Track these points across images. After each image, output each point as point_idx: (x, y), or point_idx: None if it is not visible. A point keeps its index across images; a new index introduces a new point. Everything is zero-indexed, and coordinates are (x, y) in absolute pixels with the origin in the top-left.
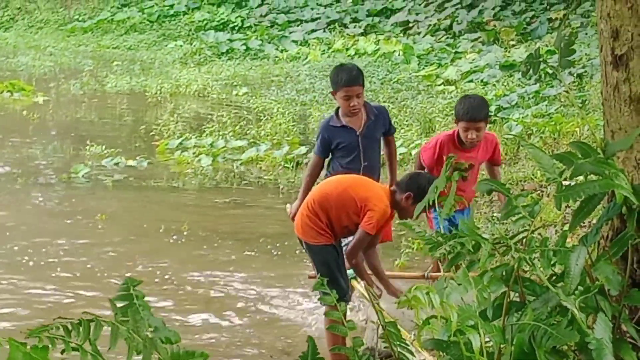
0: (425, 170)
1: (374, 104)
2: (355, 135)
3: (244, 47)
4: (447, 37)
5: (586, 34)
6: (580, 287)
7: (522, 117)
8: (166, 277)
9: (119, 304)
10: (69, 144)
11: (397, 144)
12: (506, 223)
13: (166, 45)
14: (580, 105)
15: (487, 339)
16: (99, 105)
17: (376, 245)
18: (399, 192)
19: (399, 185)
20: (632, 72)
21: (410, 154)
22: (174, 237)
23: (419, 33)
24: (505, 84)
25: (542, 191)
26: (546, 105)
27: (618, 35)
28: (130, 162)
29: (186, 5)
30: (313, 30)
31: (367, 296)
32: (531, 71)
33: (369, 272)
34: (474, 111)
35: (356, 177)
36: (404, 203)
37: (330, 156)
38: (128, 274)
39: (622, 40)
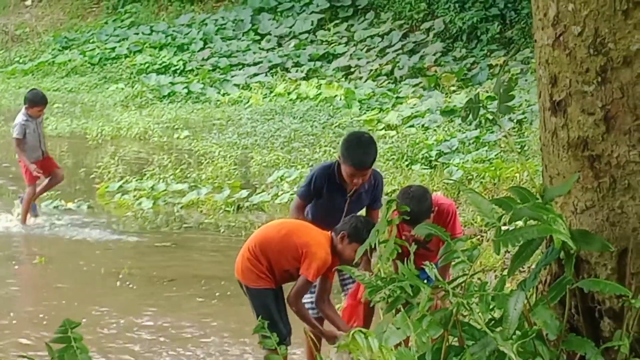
0: None
1: (375, 170)
2: (345, 197)
3: (186, 90)
4: (389, 82)
5: (526, 80)
6: (518, 332)
7: (463, 162)
8: (106, 320)
9: (57, 347)
10: (8, 188)
11: None
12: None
13: (107, 88)
14: (519, 150)
15: None
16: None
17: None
18: (334, 236)
19: (335, 231)
20: (570, 118)
21: None
22: (114, 280)
23: (360, 78)
24: (446, 129)
25: (482, 236)
26: (486, 151)
27: (556, 82)
28: (70, 205)
29: (128, 49)
30: (255, 74)
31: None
32: (471, 116)
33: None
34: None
35: (298, 222)
36: (340, 245)
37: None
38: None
39: (560, 87)
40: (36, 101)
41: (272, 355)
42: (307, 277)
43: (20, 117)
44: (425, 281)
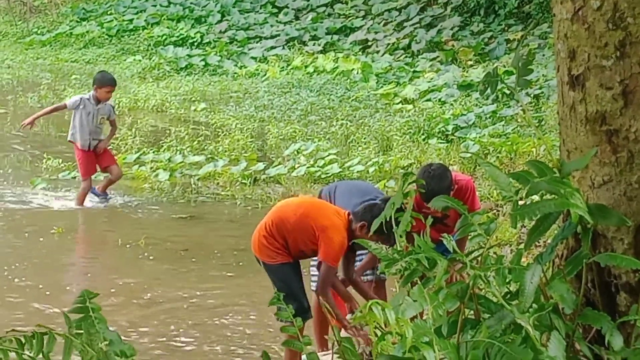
0: None
1: None
2: None
3: (203, 63)
4: (406, 56)
5: (543, 55)
6: (534, 305)
7: (479, 137)
8: (123, 291)
9: (74, 317)
10: (26, 157)
11: (355, 161)
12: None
13: (125, 60)
14: (537, 125)
15: (442, 356)
16: (56, 118)
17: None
18: (354, 221)
19: (355, 215)
20: (588, 93)
21: (368, 171)
22: (132, 251)
23: (377, 52)
24: (462, 103)
25: (498, 210)
26: (503, 125)
27: (575, 56)
28: None
29: (145, 20)
30: (272, 47)
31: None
32: (489, 90)
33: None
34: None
35: (316, 202)
36: (359, 232)
37: None
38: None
39: (579, 61)
40: (103, 81)
41: (287, 327)
42: (329, 264)
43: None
44: (442, 255)
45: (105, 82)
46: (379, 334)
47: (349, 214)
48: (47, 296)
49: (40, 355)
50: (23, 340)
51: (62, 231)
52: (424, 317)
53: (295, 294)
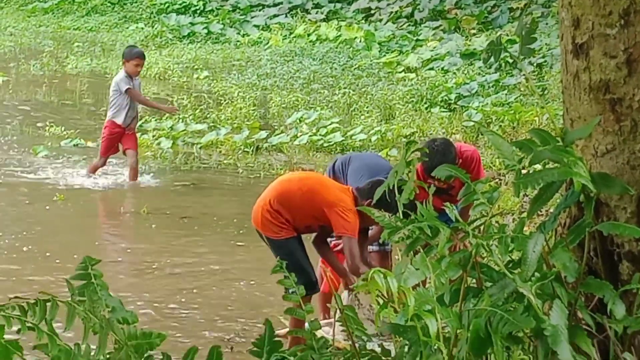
0: None
1: None
2: None
3: (206, 31)
4: (409, 25)
5: (546, 24)
6: (537, 274)
7: (482, 106)
8: (126, 258)
9: (77, 284)
10: (29, 125)
11: (357, 130)
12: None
13: (127, 28)
14: (539, 94)
15: (444, 324)
16: (59, 86)
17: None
18: (360, 199)
19: (360, 192)
20: (592, 61)
21: (370, 140)
22: (133, 219)
23: (380, 20)
24: (465, 72)
25: (501, 179)
26: (506, 94)
27: (579, 24)
28: (90, 144)
29: None
30: (275, 15)
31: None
32: (492, 58)
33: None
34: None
35: (319, 178)
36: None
37: None
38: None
39: (583, 29)
40: (131, 54)
41: (289, 295)
42: (350, 236)
43: (118, 76)
44: (446, 224)
45: (133, 55)
46: (382, 302)
47: (353, 190)
48: (53, 263)
49: (43, 322)
50: (26, 307)
51: (64, 198)
52: (427, 286)
53: (303, 267)
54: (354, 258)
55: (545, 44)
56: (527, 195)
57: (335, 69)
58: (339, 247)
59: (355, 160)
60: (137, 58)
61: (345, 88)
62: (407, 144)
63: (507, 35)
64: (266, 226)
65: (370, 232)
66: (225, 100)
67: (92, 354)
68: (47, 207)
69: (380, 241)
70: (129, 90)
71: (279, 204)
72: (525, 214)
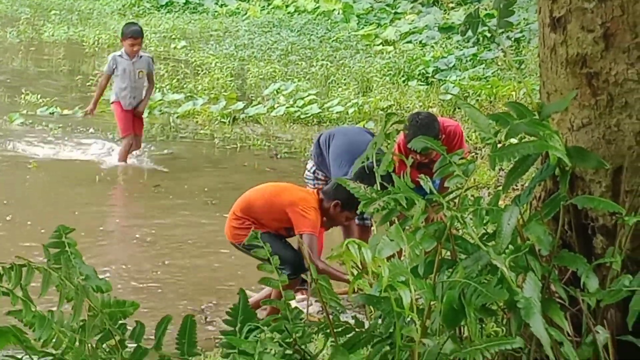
0: None
1: None
2: None
3: (184, 1)
4: None
5: None
6: (511, 247)
7: (459, 80)
8: (99, 225)
9: (52, 251)
10: (4, 92)
11: (335, 102)
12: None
13: None
14: (517, 68)
15: (418, 296)
16: (35, 53)
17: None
18: (326, 200)
19: (325, 194)
20: (569, 35)
21: (347, 112)
22: (109, 187)
23: None
24: (443, 46)
25: (477, 153)
26: (483, 69)
27: None
28: (66, 112)
29: None
30: None
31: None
32: (470, 31)
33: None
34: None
35: (281, 184)
36: (332, 211)
37: None
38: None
39: (561, 3)
40: (125, 33)
41: (263, 265)
42: (310, 233)
43: (114, 53)
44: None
45: (127, 34)
46: (356, 273)
47: (318, 192)
48: (21, 230)
49: (18, 288)
50: (1, 271)
51: (37, 166)
52: (402, 258)
53: (282, 252)
54: (312, 254)
55: (523, 18)
56: (502, 170)
57: (313, 40)
58: None
59: (338, 136)
60: (131, 37)
61: (322, 60)
62: (386, 115)
63: (486, 9)
64: (235, 234)
65: None
66: (202, 71)
67: (66, 321)
68: (22, 174)
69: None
70: (102, 78)
71: (242, 212)
72: (500, 188)
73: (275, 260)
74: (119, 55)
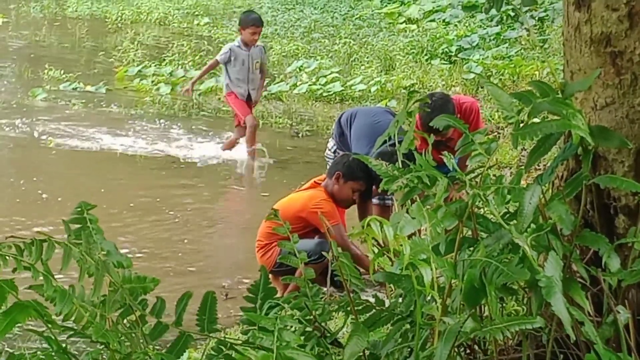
0: None
1: None
2: None
3: None
4: None
5: None
6: (532, 226)
7: (482, 59)
8: (121, 201)
9: (73, 227)
10: (27, 67)
11: (357, 80)
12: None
13: None
14: (541, 47)
15: (439, 274)
16: (58, 29)
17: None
18: (329, 182)
19: (328, 174)
20: (593, 13)
21: (370, 90)
22: (128, 161)
23: None
24: (467, 24)
25: (499, 133)
26: (507, 48)
27: None
28: (89, 88)
29: None
30: None
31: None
32: (494, 9)
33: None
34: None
35: (281, 201)
36: (336, 185)
37: None
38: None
39: None
40: (246, 22)
41: (283, 242)
42: (333, 225)
43: (231, 43)
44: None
45: (248, 22)
46: (377, 251)
47: (318, 184)
48: (42, 206)
49: (39, 262)
50: (22, 246)
51: (52, 142)
52: (422, 235)
53: (314, 248)
54: (344, 241)
55: None
56: (525, 149)
57: (336, 18)
58: None
59: (361, 116)
60: (252, 26)
61: (345, 38)
62: (408, 94)
63: None
64: (266, 259)
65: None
66: None
67: (86, 296)
68: (41, 151)
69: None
70: (210, 63)
71: (266, 238)
72: (522, 167)
73: (302, 255)
74: (237, 46)
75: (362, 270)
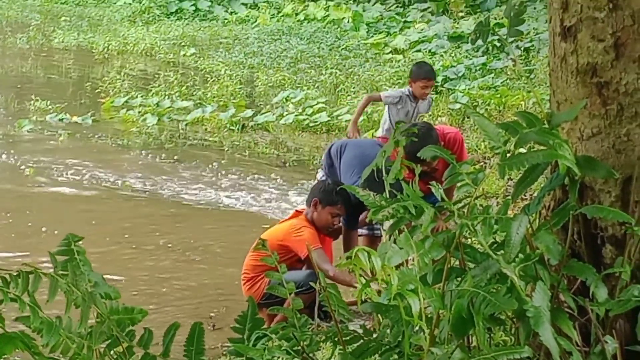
0: None
1: None
2: None
3: (193, 8)
4: (397, 6)
5: (534, 8)
6: (520, 256)
7: (469, 89)
8: (104, 235)
9: (60, 259)
10: (14, 98)
11: (343, 110)
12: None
13: (115, 3)
14: (527, 76)
15: (427, 304)
16: (45, 60)
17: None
18: (309, 210)
19: (306, 204)
20: (579, 44)
21: None
22: (118, 193)
23: (368, 1)
24: (452, 55)
25: (486, 163)
26: (493, 78)
27: (567, 7)
28: (76, 119)
29: None
30: None
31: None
32: (480, 40)
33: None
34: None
35: (264, 234)
36: (316, 213)
37: None
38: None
39: (572, 12)
40: (418, 74)
41: (271, 272)
42: (313, 249)
43: (398, 90)
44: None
45: (419, 75)
46: (364, 281)
47: (300, 212)
48: (30, 237)
49: (26, 295)
50: (8, 278)
51: (33, 171)
52: (410, 266)
53: (303, 279)
54: (323, 268)
55: (533, 28)
56: (511, 179)
57: (323, 48)
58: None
59: (351, 147)
60: (424, 79)
61: (332, 68)
62: (396, 123)
63: (495, 19)
64: (253, 291)
65: (360, 216)
66: (211, 78)
67: (73, 327)
68: (19, 179)
69: (368, 222)
70: (368, 98)
71: (252, 270)
72: (509, 197)
73: (290, 286)
74: (407, 95)
75: (349, 300)
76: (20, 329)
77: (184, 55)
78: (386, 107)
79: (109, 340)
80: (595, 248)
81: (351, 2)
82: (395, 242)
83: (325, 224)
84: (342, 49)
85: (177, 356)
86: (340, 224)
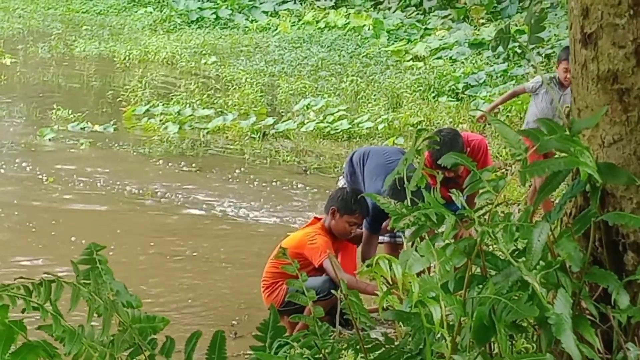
0: None
1: None
2: None
3: (214, 16)
4: (418, 13)
5: (555, 14)
6: (541, 263)
7: (490, 95)
8: (125, 245)
9: (82, 268)
10: (35, 107)
11: (364, 117)
12: None
13: (136, 12)
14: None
15: (448, 312)
16: (66, 69)
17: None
18: (326, 217)
19: (325, 210)
20: (600, 51)
21: (377, 128)
22: (141, 201)
23: (389, 8)
24: (473, 61)
25: (507, 169)
26: (514, 84)
27: (588, 14)
28: (97, 127)
29: None
30: (284, 2)
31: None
32: (501, 47)
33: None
34: None
35: (282, 243)
36: (333, 221)
37: None
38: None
39: (592, 19)
40: (560, 55)
41: (292, 280)
42: (325, 258)
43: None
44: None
45: (562, 57)
46: (385, 289)
47: (319, 219)
48: (51, 244)
49: (48, 303)
50: (31, 287)
51: (52, 180)
52: (431, 273)
53: (322, 285)
54: (337, 272)
55: (554, 34)
56: (532, 186)
57: (343, 56)
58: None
59: (375, 155)
60: (565, 60)
61: (352, 76)
62: (417, 131)
63: (516, 25)
64: (273, 297)
65: (383, 224)
66: (232, 86)
67: (95, 335)
68: (43, 189)
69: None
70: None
71: (268, 277)
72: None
73: (311, 294)
74: (551, 79)
75: (370, 307)
76: (42, 338)
77: (205, 63)
78: (532, 99)
79: (131, 349)
80: (617, 255)
81: (372, 9)
82: (416, 249)
83: (342, 232)
84: (363, 56)
85: None
86: (359, 231)
